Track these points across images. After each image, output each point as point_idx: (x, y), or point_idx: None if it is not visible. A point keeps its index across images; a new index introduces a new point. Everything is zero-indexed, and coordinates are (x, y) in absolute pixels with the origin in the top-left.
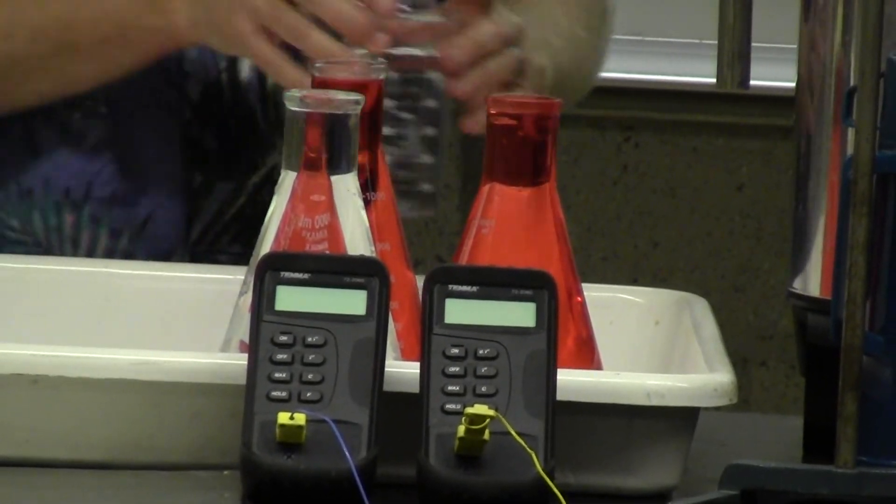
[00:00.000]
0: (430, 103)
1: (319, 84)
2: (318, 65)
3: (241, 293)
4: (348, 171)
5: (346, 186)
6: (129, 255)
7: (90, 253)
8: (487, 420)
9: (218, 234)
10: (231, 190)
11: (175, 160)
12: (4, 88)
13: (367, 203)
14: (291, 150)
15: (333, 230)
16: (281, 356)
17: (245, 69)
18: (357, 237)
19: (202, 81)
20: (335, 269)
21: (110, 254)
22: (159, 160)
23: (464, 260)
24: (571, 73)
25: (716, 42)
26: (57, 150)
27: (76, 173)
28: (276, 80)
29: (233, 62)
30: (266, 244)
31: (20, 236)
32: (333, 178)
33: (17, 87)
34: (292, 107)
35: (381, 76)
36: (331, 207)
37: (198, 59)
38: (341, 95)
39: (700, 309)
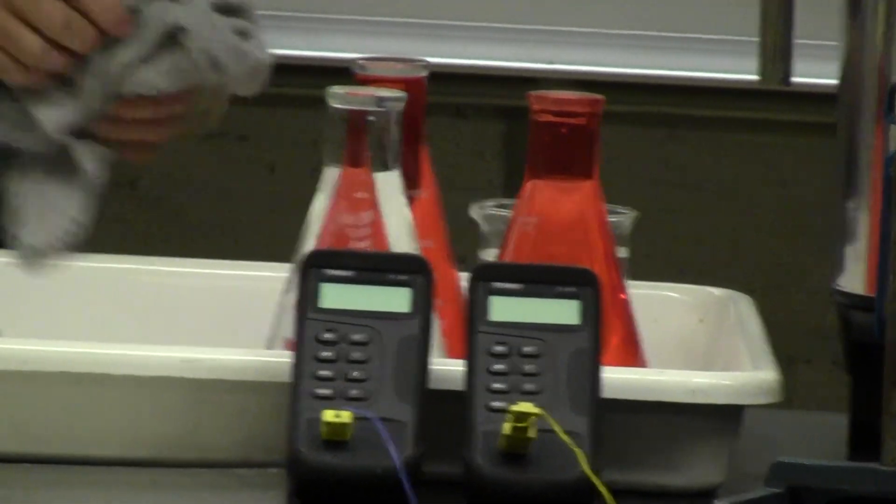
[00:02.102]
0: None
1: (362, 81)
2: (360, 63)
3: (286, 290)
4: (392, 168)
5: (389, 183)
6: None
7: None
8: (533, 417)
9: None
10: None
11: None
12: None
13: (410, 200)
14: (334, 146)
15: (377, 227)
16: (326, 354)
17: None
18: (401, 234)
19: None
20: (379, 267)
21: None
22: None
23: (508, 257)
24: None
25: (757, 39)
26: None
27: None
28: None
29: None
30: (309, 241)
31: None
32: (376, 175)
33: None
34: (335, 104)
35: (424, 74)
36: (374, 204)
37: None
38: (384, 92)
39: (744, 306)
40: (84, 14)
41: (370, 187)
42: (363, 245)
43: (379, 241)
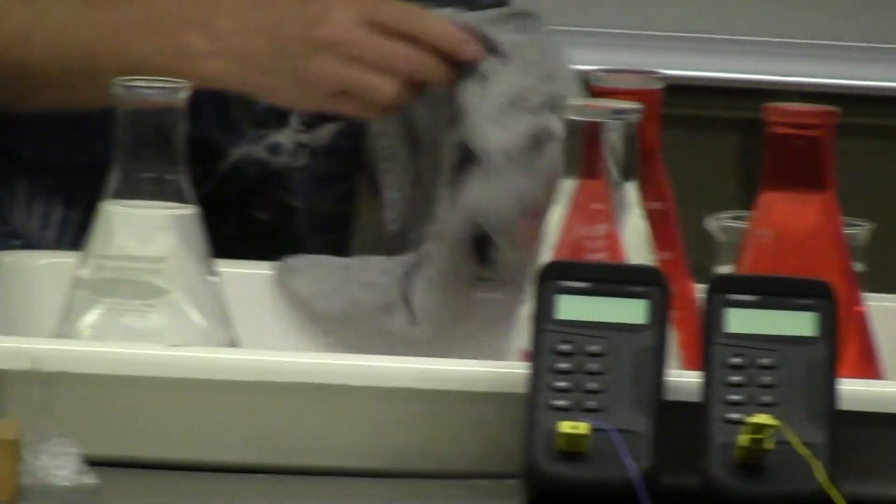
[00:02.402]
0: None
1: (598, 93)
2: (597, 74)
3: (522, 302)
4: (628, 179)
5: (626, 195)
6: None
7: (44, 223)
8: (770, 429)
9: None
10: (198, 175)
11: None
12: (20, 92)
13: (647, 212)
14: (572, 158)
15: (613, 239)
16: (562, 365)
17: None
18: (637, 246)
19: None
20: (616, 278)
21: (65, 224)
22: None
23: (744, 269)
24: None
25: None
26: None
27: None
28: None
29: None
30: (546, 253)
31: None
32: (613, 187)
33: (32, 94)
34: (574, 116)
35: (659, 86)
36: (610, 216)
37: None
38: (622, 105)
39: None
40: (427, 43)
41: (606, 199)
42: (599, 257)
43: (615, 253)
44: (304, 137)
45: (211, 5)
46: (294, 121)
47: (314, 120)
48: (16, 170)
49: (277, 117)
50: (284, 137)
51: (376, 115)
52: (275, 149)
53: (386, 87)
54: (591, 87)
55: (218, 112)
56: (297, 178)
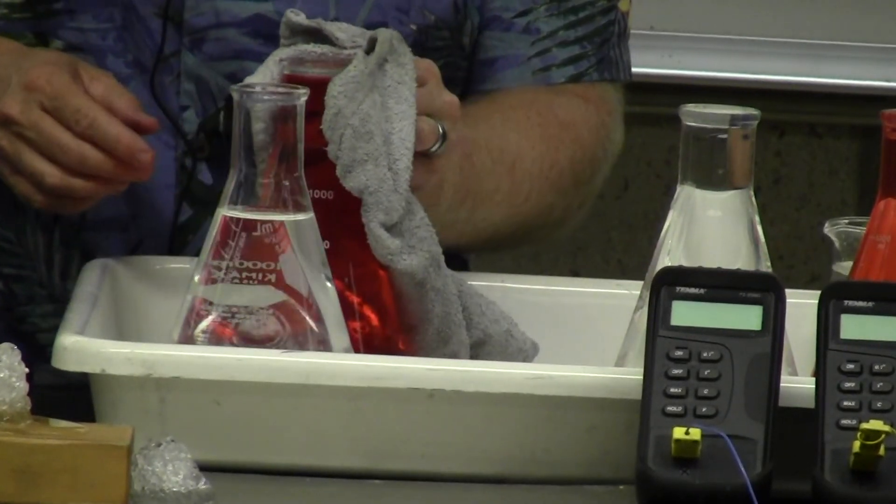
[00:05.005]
0: None
1: (292, 81)
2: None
3: (637, 308)
4: (743, 186)
5: (740, 201)
6: None
7: (63, 275)
8: (883, 436)
9: None
10: None
11: (168, 191)
12: None
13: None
14: (687, 165)
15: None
16: (676, 371)
17: None
18: (751, 252)
19: (199, 115)
20: (730, 285)
21: None
22: (149, 189)
23: (859, 275)
24: (492, 199)
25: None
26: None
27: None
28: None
29: (229, 99)
30: (661, 259)
31: (15, 248)
32: (727, 194)
33: None
34: (689, 122)
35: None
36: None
37: (195, 91)
38: (739, 111)
39: None
40: (102, 146)
41: (720, 205)
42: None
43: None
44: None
45: None
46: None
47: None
48: (32, 223)
49: None
50: None
51: (43, 198)
52: None
53: (50, 175)
54: (286, 75)
55: None
56: None
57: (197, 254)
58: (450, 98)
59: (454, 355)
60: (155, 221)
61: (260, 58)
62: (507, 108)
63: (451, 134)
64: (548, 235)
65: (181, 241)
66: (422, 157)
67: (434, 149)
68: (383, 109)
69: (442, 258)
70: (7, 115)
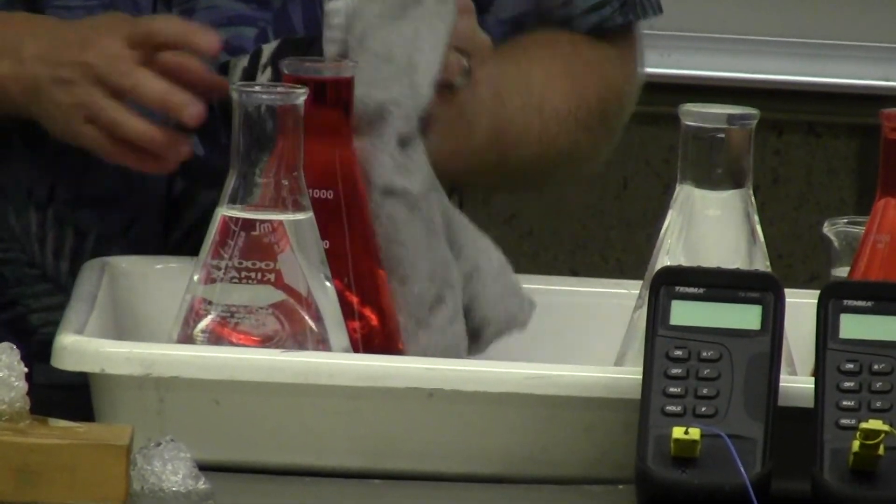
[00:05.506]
0: None
1: (292, 81)
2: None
3: (636, 307)
4: (742, 185)
5: (739, 201)
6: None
7: (56, 254)
8: (882, 435)
9: (197, 244)
10: (214, 199)
11: None
12: None
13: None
14: (686, 164)
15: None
16: (675, 371)
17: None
18: (751, 251)
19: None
20: (729, 284)
21: (77, 255)
22: None
23: (858, 275)
24: (522, 139)
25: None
26: (24, 149)
27: (40, 174)
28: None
29: (221, 67)
30: (660, 259)
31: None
32: (726, 193)
33: None
34: (688, 121)
35: (350, 74)
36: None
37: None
38: (738, 110)
39: None
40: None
41: (720, 204)
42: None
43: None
44: None
45: (25, 30)
46: None
47: None
48: (20, 203)
49: None
50: None
51: (118, 150)
52: None
53: (133, 125)
54: (286, 75)
55: None
56: None
57: (190, 229)
58: (483, 38)
59: (448, 323)
60: (148, 196)
61: (254, 22)
62: (532, 48)
63: (479, 72)
64: (575, 173)
65: (175, 214)
66: (444, 88)
67: (456, 81)
68: (415, 38)
69: (439, 186)
70: (93, 62)
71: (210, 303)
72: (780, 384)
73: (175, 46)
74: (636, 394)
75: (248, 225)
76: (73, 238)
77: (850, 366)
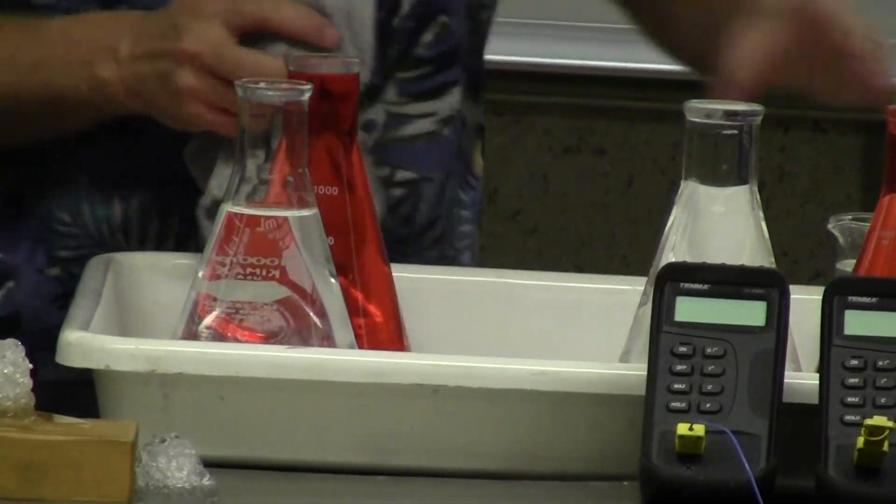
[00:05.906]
0: None
1: (297, 78)
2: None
3: (641, 304)
4: (747, 182)
5: (744, 197)
6: (183, 238)
7: (142, 241)
8: (887, 432)
9: None
10: None
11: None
12: None
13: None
14: (691, 160)
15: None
16: (680, 367)
17: None
18: (756, 248)
19: None
20: (735, 280)
21: (161, 239)
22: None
23: (863, 271)
24: None
25: None
26: (100, 138)
27: (119, 161)
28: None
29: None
30: (665, 255)
31: (71, 229)
32: (731, 190)
33: None
34: (694, 118)
35: (356, 70)
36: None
37: None
38: (743, 107)
39: None
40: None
41: (723, 201)
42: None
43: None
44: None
45: (115, 29)
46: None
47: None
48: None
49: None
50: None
51: (215, 118)
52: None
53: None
54: (290, 72)
55: None
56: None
57: None
58: None
59: None
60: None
61: None
62: None
63: None
64: None
65: None
66: None
67: None
68: None
69: None
70: (189, 49)
71: (215, 299)
72: (785, 380)
73: (291, 36)
74: (641, 390)
75: (253, 221)
76: (157, 223)
77: (854, 362)
